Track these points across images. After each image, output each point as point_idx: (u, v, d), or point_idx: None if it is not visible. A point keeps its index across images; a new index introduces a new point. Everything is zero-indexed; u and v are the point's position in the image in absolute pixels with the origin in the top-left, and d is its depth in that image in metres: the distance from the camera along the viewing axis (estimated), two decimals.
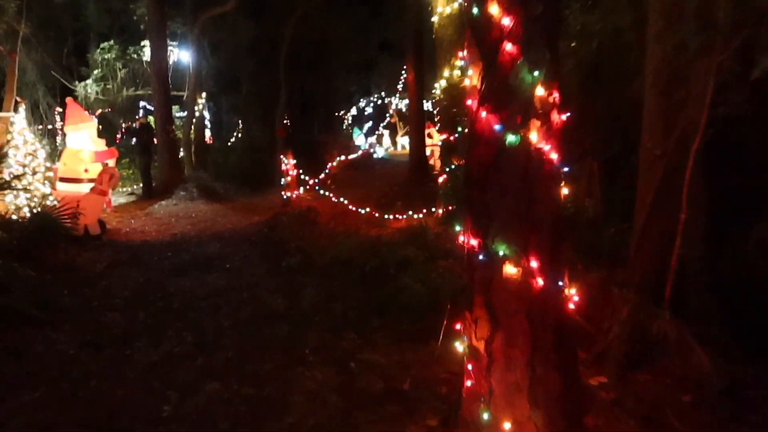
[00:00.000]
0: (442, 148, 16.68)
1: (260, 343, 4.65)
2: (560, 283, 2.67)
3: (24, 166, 10.92)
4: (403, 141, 31.20)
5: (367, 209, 9.44)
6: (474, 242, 2.69)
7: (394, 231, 8.38)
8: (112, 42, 16.98)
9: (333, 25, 20.26)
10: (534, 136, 2.58)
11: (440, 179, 8.47)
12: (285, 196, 10.37)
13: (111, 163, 10.12)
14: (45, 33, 22.25)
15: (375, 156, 23.53)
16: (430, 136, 15.19)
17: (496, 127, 2.59)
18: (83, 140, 9.67)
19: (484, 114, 2.62)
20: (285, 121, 16.33)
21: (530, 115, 2.59)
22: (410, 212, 9.06)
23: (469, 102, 2.77)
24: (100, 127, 22.10)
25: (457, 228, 3.01)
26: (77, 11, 20.10)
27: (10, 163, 10.93)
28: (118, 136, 20.31)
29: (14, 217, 10.54)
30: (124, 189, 16.25)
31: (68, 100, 9.82)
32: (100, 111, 19.18)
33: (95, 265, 7.50)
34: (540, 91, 2.58)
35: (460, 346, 2.87)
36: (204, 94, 17.41)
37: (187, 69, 16.92)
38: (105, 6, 19.01)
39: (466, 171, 2.81)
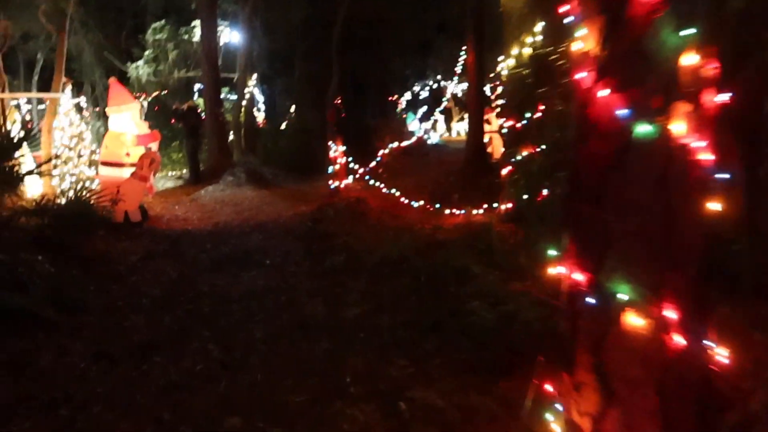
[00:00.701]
0: (502, 135, 15.72)
1: (294, 365, 3.97)
2: (706, 342, 1.84)
3: (69, 148, 10.67)
4: (458, 127, 30.16)
5: (421, 202, 8.64)
6: (580, 277, 1.88)
7: (451, 228, 7.57)
8: (163, 22, 16.67)
9: (389, 4, 19.41)
10: (678, 127, 1.74)
11: (503, 170, 7.59)
12: (332, 186, 9.70)
13: (154, 147, 9.68)
14: (104, 15, 22.35)
15: (429, 142, 22.65)
16: (488, 122, 14.22)
17: (622, 112, 1.76)
18: (125, 123, 9.25)
19: (603, 93, 1.79)
20: (336, 104, 15.68)
21: (674, 95, 1.74)
22: (469, 207, 8.23)
23: (578, 76, 1.94)
24: (156, 108, 22.17)
25: (549, 252, 2.19)
26: None
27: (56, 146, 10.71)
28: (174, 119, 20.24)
29: (58, 201, 10.33)
30: (173, 173, 16.03)
31: (111, 80, 9.42)
32: (156, 93, 19.07)
33: (129, 257, 7.02)
34: (690, 59, 1.73)
35: (551, 418, 2.08)
36: (255, 76, 16.93)
37: (238, 50, 16.44)
38: None
39: (572, 175, 1.99)
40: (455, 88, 28.43)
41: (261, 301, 5.44)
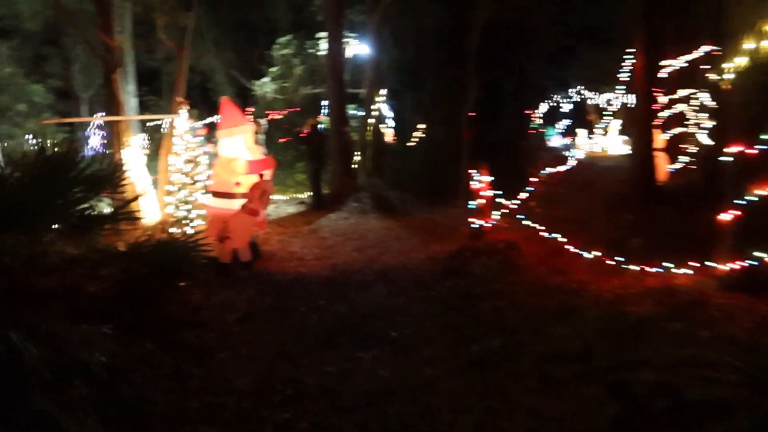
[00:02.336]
0: (667, 153, 13.04)
1: None
2: None
3: (184, 174, 9.84)
4: (602, 141, 27.09)
5: (595, 253, 6.56)
6: None
7: (643, 294, 5.47)
8: (290, 36, 15.90)
9: (529, 8, 17.36)
10: None
11: (725, 215, 5.38)
12: (475, 225, 7.90)
13: (268, 175, 8.50)
14: (237, 34, 22.37)
15: (570, 157, 20.08)
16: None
17: None
18: (237, 148, 8.13)
19: None
20: (472, 120, 13.95)
21: None
22: (657, 259, 6.07)
23: None
24: (285, 127, 21.68)
25: None
26: (268, 10, 19.64)
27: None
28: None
29: (174, 231, 9.50)
30: (297, 196, 15.10)
31: (223, 100, 8.35)
32: (285, 111, 18.47)
33: (225, 317, 5.71)
34: None
35: None
36: (383, 91, 15.62)
37: (366, 63, 15.24)
38: (290, 1, 18.22)
39: None
40: (599, 99, 25.61)
41: (384, 410, 3.78)
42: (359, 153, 14.80)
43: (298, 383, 4.24)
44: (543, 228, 7.42)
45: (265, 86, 16.21)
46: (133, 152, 10.59)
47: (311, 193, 13.02)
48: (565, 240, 7.01)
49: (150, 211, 10.90)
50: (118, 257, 5.96)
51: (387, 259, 7.98)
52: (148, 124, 22.36)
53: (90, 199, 5.92)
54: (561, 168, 12.99)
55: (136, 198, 6.25)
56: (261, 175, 8.50)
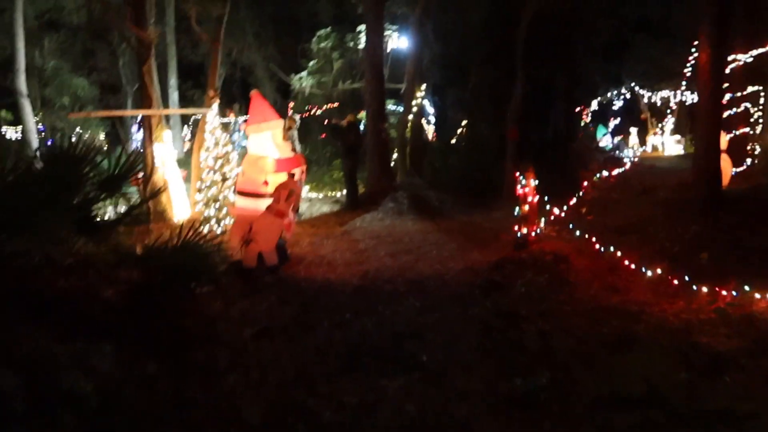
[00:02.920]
0: (730, 155, 12.00)
1: None
2: None
3: (213, 170, 9.47)
4: (655, 141, 25.74)
5: (657, 270, 5.80)
6: None
7: (715, 321, 4.72)
8: (329, 29, 15.41)
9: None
10: None
11: None
12: (520, 234, 7.21)
13: (297, 174, 8.02)
14: (279, 27, 22.02)
15: (621, 157, 19.01)
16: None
17: None
18: (265, 144, 7.67)
19: None
20: (519, 118, 13.17)
21: None
22: (732, 277, 5.29)
23: None
24: (326, 122, 21.25)
25: None
26: (309, 3, 19.21)
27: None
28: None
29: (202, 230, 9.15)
30: (332, 194, 14.63)
31: (252, 93, 7.90)
32: (324, 107, 18.06)
33: (242, 330, 5.23)
34: None
35: None
36: (424, 86, 14.98)
37: (406, 57, 14.63)
38: None
39: None
40: (654, 96, 24.35)
41: None
42: (397, 150, 14.23)
43: (313, 417, 3.71)
44: (595, 239, 6.68)
45: (303, 80, 15.77)
46: (165, 147, 10.28)
47: (346, 192, 12.52)
48: (621, 253, 6.26)
49: (180, 209, 10.59)
50: (134, 260, 5.53)
51: (422, 267, 7.37)
52: (192, 118, 22.31)
53: (101, 198, 5.50)
54: (614, 170, 12.10)
55: (152, 197, 5.83)
56: (291, 174, 8.04)
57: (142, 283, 5.17)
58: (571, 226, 7.30)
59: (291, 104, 20.94)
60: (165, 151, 10.27)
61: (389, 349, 4.76)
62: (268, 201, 7.31)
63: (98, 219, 5.55)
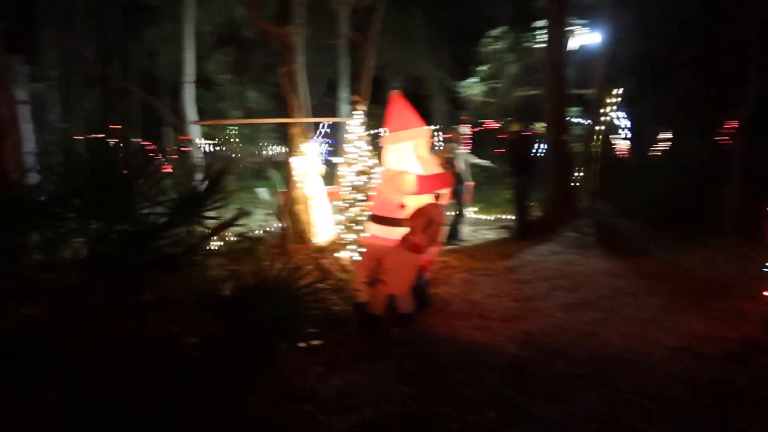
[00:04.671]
0: None
1: None
2: None
3: (355, 189, 8.11)
4: None
5: None
6: None
7: None
8: (503, 29, 13.51)
9: None
10: None
11: None
12: None
13: (443, 198, 6.30)
14: (456, 31, 20.56)
15: None
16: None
17: None
18: (405, 157, 6.06)
19: None
20: (745, 127, 10.11)
21: None
22: None
23: None
24: (502, 136, 19.25)
25: None
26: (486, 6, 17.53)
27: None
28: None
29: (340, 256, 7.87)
30: (501, 217, 12.67)
31: (394, 95, 6.32)
32: (499, 120, 16.19)
33: (330, 423, 3.62)
34: None
35: None
36: (619, 92, 12.38)
37: (595, 57, 12.20)
38: None
39: None
40: None
41: None
42: (581, 168, 11.83)
43: None
44: None
45: (472, 88, 14.01)
46: (307, 160, 9.21)
47: (514, 216, 10.51)
48: None
49: (323, 230, 9.44)
50: (218, 304, 4.21)
51: (610, 336, 5.17)
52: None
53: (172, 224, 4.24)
54: None
55: (228, 224, 4.48)
56: (437, 197, 6.35)
57: (206, 340, 3.81)
58: None
59: (465, 118, 19.42)
60: (306, 165, 9.20)
61: None
62: (404, 230, 5.68)
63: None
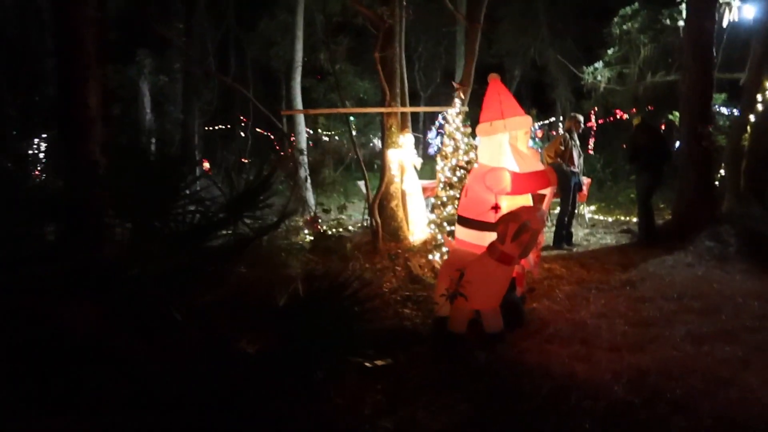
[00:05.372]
0: None
1: None
2: None
3: (450, 185, 7.36)
4: None
5: None
6: None
7: None
8: (636, 5, 11.90)
9: None
10: None
11: None
12: None
13: (545, 200, 5.39)
14: (580, 16, 18.88)
15: None
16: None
17: None
18: (500, 151, 5.20)
19: None
20: None
21: None
22: None
23: None
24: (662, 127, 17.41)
25: None
26: None
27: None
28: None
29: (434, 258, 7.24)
30: (625, 218, 11.28)
31: (491, 78, 5.45)
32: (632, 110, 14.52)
33: None
34: None
35: None
36: None
37: (750, 35, 10.35)
38: None
39: None
40: None
41: None
42: (726, 165, 10.11)
43: None
44: None
45: (598, 73, 12.52)
46: (403, 153, 8.57)
47: (638, 220, 9.17)
48: None
49: (419, 227, 8.78)
50: (268, 316, 3.77)
51: (751, 383, 4.01)
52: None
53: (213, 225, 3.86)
54: None
55: (275, 226, 3.97)
56: (542, 197, 5.47)
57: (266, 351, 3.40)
58: None
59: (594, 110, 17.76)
60: (402, 158, 8.56)
61: None
62: (494, 235, 4.85)
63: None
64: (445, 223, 7.19)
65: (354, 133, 18.18)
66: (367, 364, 4.40)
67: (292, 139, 11.81)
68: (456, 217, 5.61)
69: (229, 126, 21.55)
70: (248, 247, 4.03)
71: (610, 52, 12.47)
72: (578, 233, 10.02)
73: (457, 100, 7.32)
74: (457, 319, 4.82)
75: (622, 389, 3.99)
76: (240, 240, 3.89)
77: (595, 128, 18.14)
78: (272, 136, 17.98)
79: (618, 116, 16.68)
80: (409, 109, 8.70)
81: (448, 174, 7.30)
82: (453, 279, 4.67)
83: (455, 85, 7.28)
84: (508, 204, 5.15)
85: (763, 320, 5.39)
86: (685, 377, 4.16)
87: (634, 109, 9.21)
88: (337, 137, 18.38)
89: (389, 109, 8.19)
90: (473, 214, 5.25)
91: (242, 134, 19.94)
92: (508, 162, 5.15)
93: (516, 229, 4.50)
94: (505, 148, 5.16)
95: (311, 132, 16.95)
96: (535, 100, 22.48)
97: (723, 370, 4.26)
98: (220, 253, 3.82)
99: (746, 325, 5.23)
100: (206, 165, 16.92)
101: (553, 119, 20.71)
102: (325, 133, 18.17)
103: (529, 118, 5.35)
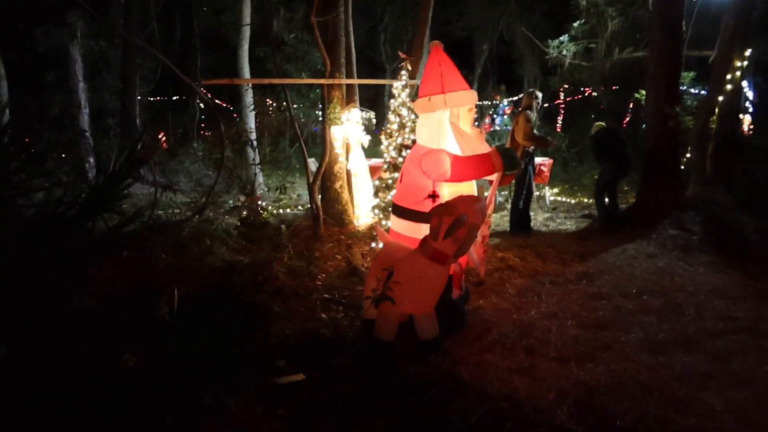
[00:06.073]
0: None
1: None
2: None
3: (395, 165, 6.67)
4: None
5: None
6: None
7: None
8: None
9: None
10: None
11: None
12: None
13: (492, 186, 4.76)
14: None
15: None
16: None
17: None
18: (439, 130, 4.52)
19: None
20: None
21: None
22: None
23: None
24: (602, 107, 16.85)
25: None
26: None
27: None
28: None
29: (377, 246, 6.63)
30: (586, 202, 10.77)
31: (433, 46, 4.74)
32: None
33: None
34: None
35: None
36: (749, 53, 9.90)
37: (722, 8, 9.80)
38: None
39: None
40: None
41: None
42: (692, 148, 9.63)
43: None
44: None
45: (563, 47, 11.89)
46: (348, 129, 7.84)
47: (596, 206, 8.65)
48: None
49: (366, 211, 8.11)
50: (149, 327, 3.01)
51: (714, 406, 3.47)
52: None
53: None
54: None
55: (130, 220, 3.25)
56: (496, 182, 4.86)
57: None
58: None
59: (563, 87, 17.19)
60: (348, 135, 7.83)
61: None
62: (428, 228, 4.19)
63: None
64: (390, 209, 6.53)
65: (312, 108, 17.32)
66: (277, 381, 3.78)
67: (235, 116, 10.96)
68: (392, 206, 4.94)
69: (184, 97, 20.41)
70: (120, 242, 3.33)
71: (576, 25, 11.83)
72: (538, 218, 9.48)
73: (403, 72, 6.59)
74: (385, 326, 4.17)
75: (566, 414, 3.40)
76: (102, 236, 3.17)
77: (563, 106, 17.62)
78: (231, 107, 17.00)
79: (586, 93, 16.17)
80: (349, 81, 7.93)
81: (393, 154, 6.60)
82: (380, 279, 4.01)
83: (402, 55, 6.54)
84: (450, 192, 4.50)
85: (725, 322, 4.89)
86: (639, 397, 3.60)
87: (600, 123, 8.64)
88: (302, 114, 17.48)
89: (329, 81, 7.43)
90: (408, 202, 4.59)
91: (201, 105, 18.87)
92: (449, 143, 4.48)
93: (451, 223, 3.84)
94: (446, 127, 4.49)
95: (274, 104, 15.99)
96: (504, 76, 21.81)
97: (681, 388, 3.71)
98: (77, 250, 3.10)
99: (709, 330, 4.71)
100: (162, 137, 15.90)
101: (522, 95, 20.14)
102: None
103: (474, 93, 4.67)
